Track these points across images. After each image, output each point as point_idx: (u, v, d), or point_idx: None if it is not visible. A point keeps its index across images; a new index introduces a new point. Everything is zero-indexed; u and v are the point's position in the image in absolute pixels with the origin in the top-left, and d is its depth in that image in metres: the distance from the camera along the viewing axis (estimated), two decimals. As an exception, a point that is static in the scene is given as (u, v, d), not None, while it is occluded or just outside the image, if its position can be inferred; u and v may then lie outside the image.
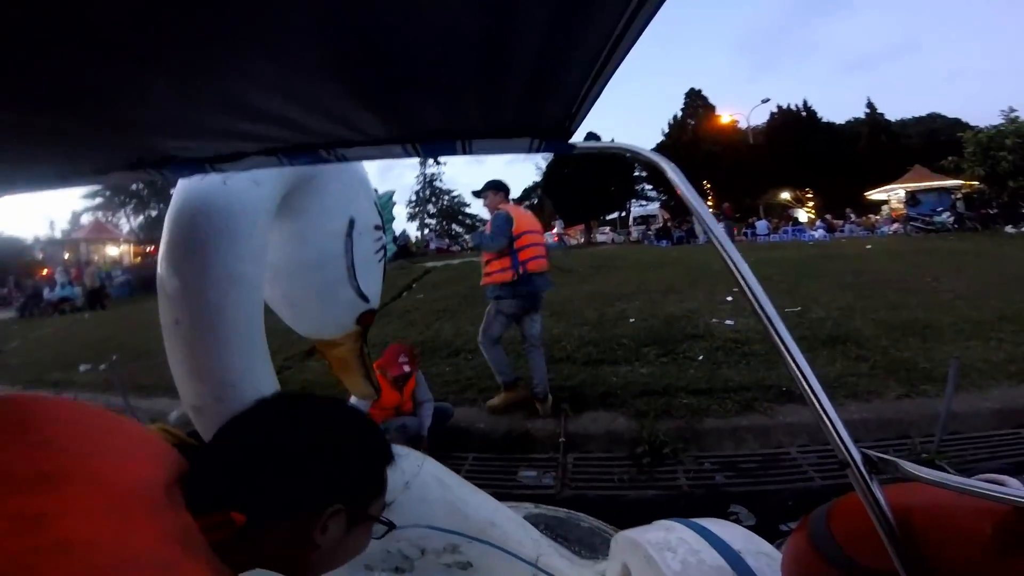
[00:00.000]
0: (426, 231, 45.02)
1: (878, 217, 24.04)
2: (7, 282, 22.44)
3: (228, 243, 1.10)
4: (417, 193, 47.07)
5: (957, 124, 23.98)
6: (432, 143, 0.90)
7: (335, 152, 0.89)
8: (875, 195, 25.49)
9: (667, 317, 5.80)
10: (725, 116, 34.91)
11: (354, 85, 0.65)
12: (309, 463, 0.68)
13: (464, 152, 0.92)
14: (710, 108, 36.59)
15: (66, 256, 24.71)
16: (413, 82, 0.64)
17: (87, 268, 18.71)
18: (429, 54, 0.57)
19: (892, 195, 23.81)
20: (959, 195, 19.70)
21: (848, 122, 35.64)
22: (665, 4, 0.46)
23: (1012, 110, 16.65)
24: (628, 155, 1.06)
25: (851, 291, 6.69)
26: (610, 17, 0.49)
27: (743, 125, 34.30)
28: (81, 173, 0.93)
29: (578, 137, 0.92)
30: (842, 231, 22.22)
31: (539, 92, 0.72)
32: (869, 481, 0.71)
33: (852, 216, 24.47)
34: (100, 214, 31.53)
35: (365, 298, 1.53)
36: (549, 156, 37.84)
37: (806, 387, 0.78)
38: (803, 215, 29.75)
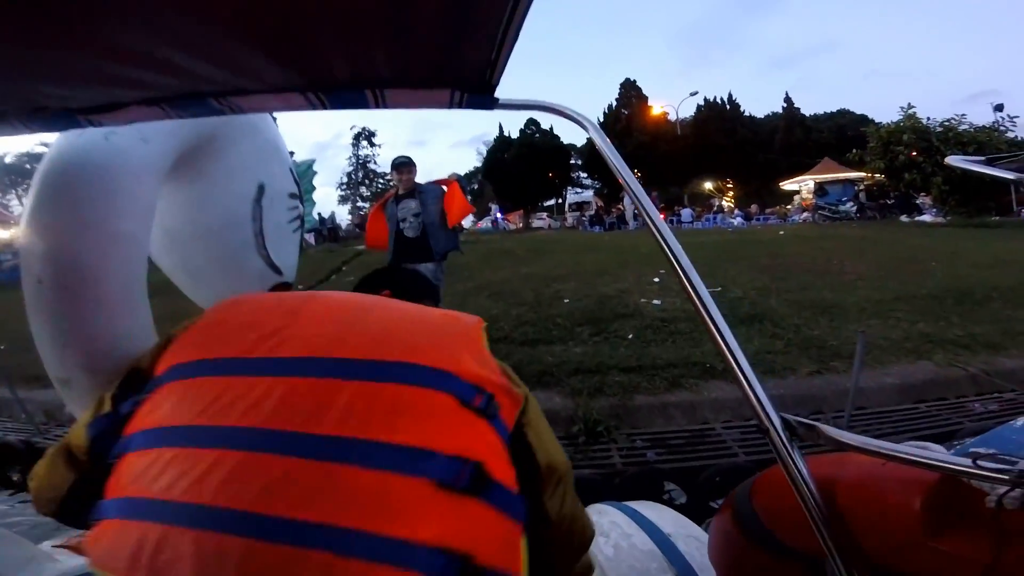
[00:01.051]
0: (358, 214, 43.60)
1: (790, 206, 25.88)
2: None
3: (107, 200, 0.95)
4: (349, 175, 45.31)
5: (864, 120, 25.99)
6: (340, 93, 0.80)
7: (229, 102, 0.79)
8: (788, 185, 27.37)
9: (599, 297, 5.92)
10: (657, 107, 35.94)
11: (243, 21, 0.56)
12: None
13: (377, 104, 0.84)
14: (643, 99, 37.57)
15: None
16: (311, 18, 0.57)
17: None
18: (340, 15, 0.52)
19: (803, 186, 25.66)
20: (862, 187, 21.45)
21: (767, 116, 37.65)
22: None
23: (911, 107, 18.02)
24: (554, 112, 1.02)
25: (766, 273, 7.12)
26: None
27: (672, 117, 35.50)
28: None
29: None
30: (758, 219, 23.73)
31: (453, 34, 0.65)
32: (790, 448, 0.70)
33: (767, 207, 26.25)
34: None
35: (277, 269, 1.39)
36: (490, 142, 37.63)
37: (726, 351, 0.77)
38: (724, 204, 31.52)
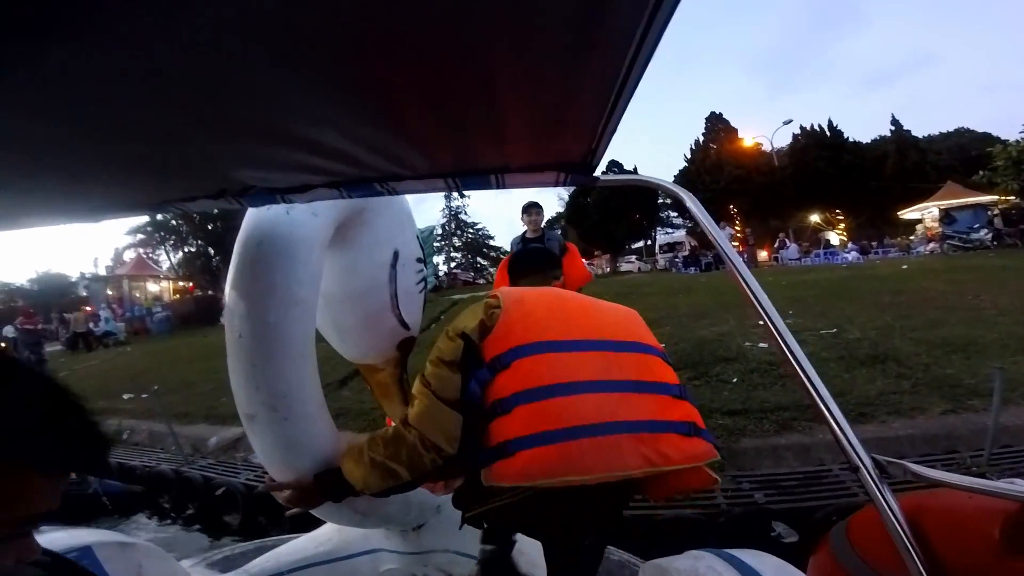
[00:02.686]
0: (452, 264, 45.25)
1: (913, 237, 23.32)
2: (52, 318, 23.24)
3: (289, 268, 1.22)
4: (443, 227, 47.40)
5: (986, 138, 23.30)
6: (469, 178, 1.00)
7: (388, 186, 1.00)
8: (908, 214, 24.79)
9: (698, 341, 5.76)
10: (748, 139, 34.53)
11: (407, 129, 0.75)
12: None
13: (498, 186, 1.02)
14: (732, 131, 36.31)
15: (109, 292, 25.45)
16: (452, 123, 0.75)
17: (74, 314, 19.19)
18: (464, 99, 0.66)
19: (926, 213, 23.11)
20: (995, 211, 18.93)
21: (874, 140, 35.01)
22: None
23: None
24: (650, 186, 1.16)
25: (888, 311, 6.53)
26: (615, 58, 0.55)
27: (767, 147, 33.83)
28: (170, 200, 1.05)
29: (601, 169, 0.99)
30: (876, 252, 21.66)
31: (560, 134, 0.81)
32: (880, 484, 0.75)
33: (886, 238, 23.87)
34: (141, 250, 31.89)
35: (406, 326, 1.63)
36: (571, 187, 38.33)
37: (814, 394, 0.83)
38: (834, 237, 29.03)
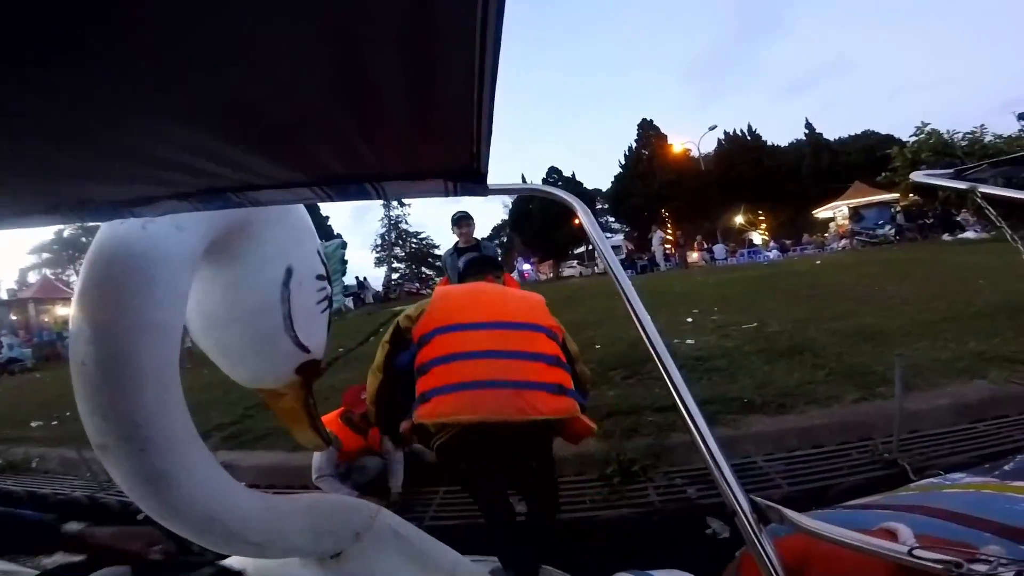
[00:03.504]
0: (395, 276, 44.32)
1: (827, 235, 25.21)
2: None
3: (144, 289, 1.08)
4: (382, 236, 46.28)
5: (890, 139, 25.36)
6: (342, 186, 0.91)
7: (245, 196, 0.91)
8: (822, 213, 26.75)
9: (632, 341, 5.88)
10: (677, 145, 35.90)
11: (236, 133, 0.67)
12: None
13: (378, 195, 0.94)
14: (662, 138, 37.76)
15: (13, 317, 23.25)
16: (296, 128, 0.67)
17: None
18: (303, 103, 0.60)
19: (837, 212, 25.04)
20: (898, 208, 20.75)
21: (791, 143, 37.14)
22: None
23: (924, 124, 17.60)
24: (541, 195, 1.14)
25: (805, 304, 6.95)
26: (462, 52, 0.51)
27: (695, 153, 35.35)
28: (13, 215, 0.92)
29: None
30: (795, 250, 23.17)
31: (430, 137, 0.75)
32: (757, 530, 0.72)
33: (804, 236, 25.58)
34: (48, 271, 29.69)
35: (305, 349, 1.50)
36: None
37: (695, 432, 0.82)
38: (758, 237, 30.88)
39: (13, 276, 32.26)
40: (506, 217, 40.49)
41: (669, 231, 28.34)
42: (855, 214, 22.32)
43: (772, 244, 24.78)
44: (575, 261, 34.29)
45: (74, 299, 1.07)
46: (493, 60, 0.54)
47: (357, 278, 26.97)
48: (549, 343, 1.89)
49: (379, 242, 46.10)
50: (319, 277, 1.59)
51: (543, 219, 33.87)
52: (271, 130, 0.68)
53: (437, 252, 46.34)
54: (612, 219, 38.14)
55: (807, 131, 36.07)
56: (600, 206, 37.61)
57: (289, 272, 1.44)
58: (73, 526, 0.90)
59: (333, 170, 0.85)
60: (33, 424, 6.65)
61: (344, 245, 2.10)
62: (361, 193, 0.93)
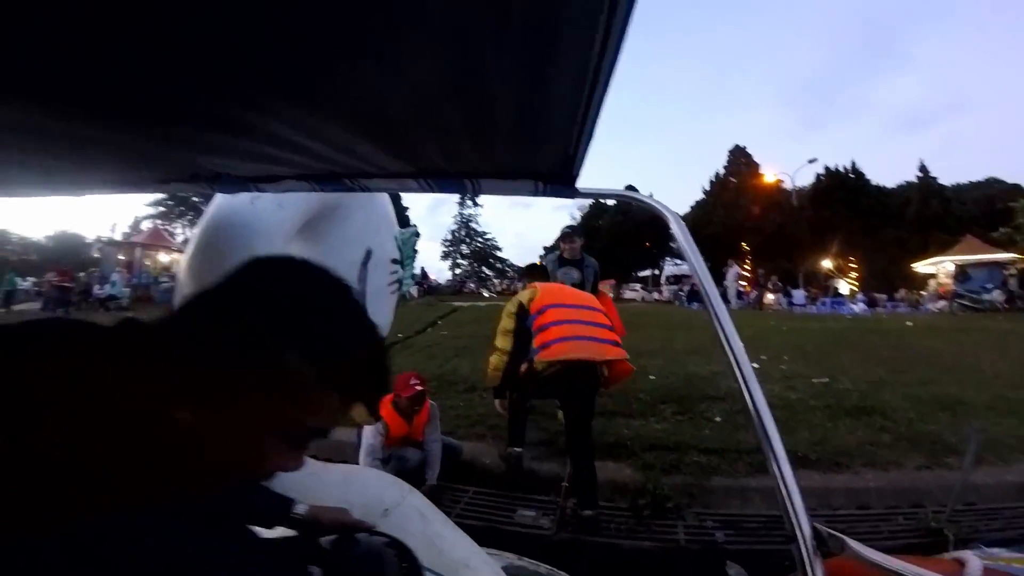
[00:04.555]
0: (458, 271, 45.18)
1: (924, 292, 22.97)
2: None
3: (243, 257, 1.24)
4: (453, 232, 47.30)
5: (1016, 190, 22.58)
6: (443, 180, 1.01)
7: (358, 183, 1.02)
8: (922, 267, 24.42)
9: (688, 377, 5.74)
10: (769, 175, 33.62)
11: (360, 125, 0.76)
12: None
13: (474, 192, 1.03)
14: (754, 166, 35.82)
15: (121, 257, 25.44)
16: (411, 124, 0.76)
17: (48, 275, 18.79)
18: (419, 101, 0.67)
19: (940, 268, 22.69)
20: (1012, 271, 18.46)
21: (899, 186, 34.32)
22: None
23: None
24: (632, 202, 1.10)
25: (884, 365, 6.49)
26: (577, 63, 0.54)
27: (788, 185, 33.10)
28: (145, 181, 1.09)
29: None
30: (885, 306, 21.38)
31: (531, 138, 0.80)
32: (814, 558, 0.71)
33: (898, 291, 23.47)
34: (159, 222, 32.48)
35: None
36: (585, 207, 37.86)
37: (768, 449, 0.80)
38: (845, 286, 28.66)
39: (128, 221, 35.66)
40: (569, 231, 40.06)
41: (747, 267, 26.88)
42: (961, 273, 20.17)
43: (860, 296, 22.83)
44: (638, 285, 33.43)
45: (184, 258, 1.24)
46: (608, 69, 0.56)
47: (421, 268, 27.85)
48: (604, 317, 3.23)
49: (449, 237, 47.21)
50: (393, 261, 1.73)
51: (611, 237, 33.17)
52: (390, 125, 0.77)
53: (499, 254, 46.55)
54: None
55: (920, 173, 33.03)
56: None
57: (368, 254, 1.59)
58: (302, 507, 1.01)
59: (437, 164, 0.94)
60: None
61: (418, 234, 2.24)
62: (459, 187, 1.02)
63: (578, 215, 39.41)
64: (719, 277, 24.53)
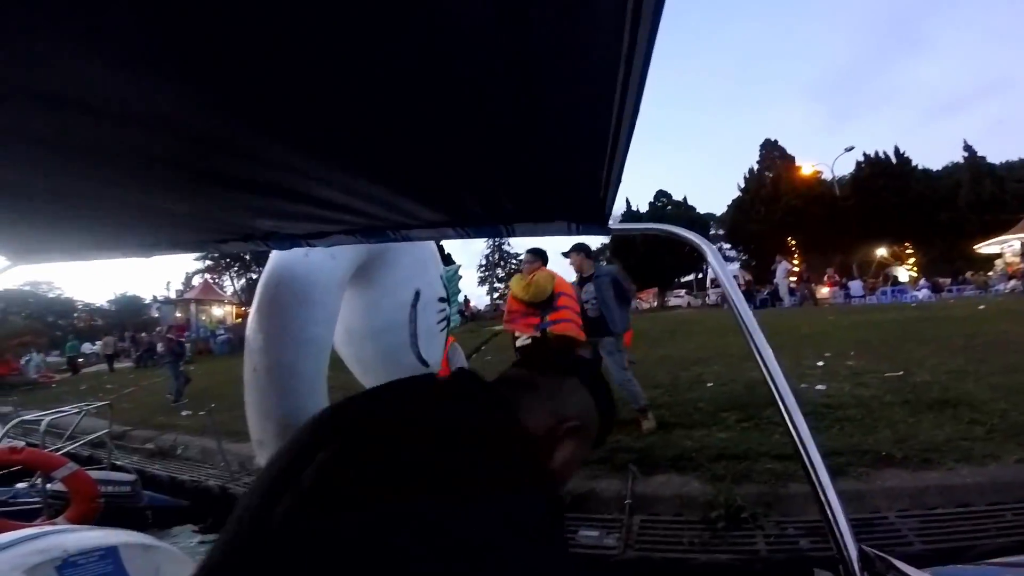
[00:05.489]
0: (495, 295, 45.39)
1: (991, 273, 21.49)
2: (125, 337, 24.74)
3: (304, 309, 1.28)
4: (487, 257, 47.82)
5: None
6: (479, 226, 1.04)
7: (400, 233, 1.07)
8: (986, 248, 22.97)
9: (749, 382, 5.49)
10: (806, 167, 32.72)
11: (401, 183, 0.81)
12: None
13: (509, 234, 1.06)
14: (789, 159, 34.76)
15: (177, 314, 26.90)
16: (448, 179, 0.79)
17: (105, 338, 20.80)
18: (455, 158, 0.70)
19: (1006, 247, 21.33)
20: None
21: (945, 167, 32.58)
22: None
23: None
24: (664, 235, 1.12)
25: (962, 354, 6.04)
26: (602, 107, 0.55)
27: (827, 176, 32.07)
28: (206, 241, 1.16)
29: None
30: (950, 291, 20.09)
31: (563, 185, 0.83)
32: None
33: (963, 275, 22.08)
34: (209, 276, 34.13)
35: (425, 363, 1.66)
36: (618, 216, 37.58)
37: (810, 469, 0.79)
38: (903, 273, 27.11)
39: (180, 279, 37.77)
40: (607, 240, 39.75)
41: (796, 262, 25.82)
42: (1031, 250, 18.87)
43: (922, 283, 21.47)
44: (683, 290, 32.58)
45: (251, 313, 1.30)
46: (632, 114, 0.56)
47: (464, 297, 28.17)
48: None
49: (483, 262, 47.59)
50: (440, 299, 1.75)
51: (648, 245, 32.60)
52: (429, 181, 0.80)
53: None
54: (728, 246, 35.81)
55: (966, 154, 31.23)
56: (714, 232, 35.56)
57: (417, 295, 1.62)
58: None
59: (474, 213, 0.97)
60: (183, 413, 7.60)
61: (459, 269, 2.28)
62: (494, 232, 1.05)
63: (614, 224, 38.90)
64: (768, 275, 23.71)
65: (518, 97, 0.53)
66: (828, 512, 0.70)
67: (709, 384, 5.65)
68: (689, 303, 28.17)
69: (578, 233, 1.03)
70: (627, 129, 0.60)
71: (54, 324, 32.43)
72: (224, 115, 0.55)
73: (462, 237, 1.06)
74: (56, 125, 0.56)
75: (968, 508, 2.73)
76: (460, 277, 2.22)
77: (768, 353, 0.84)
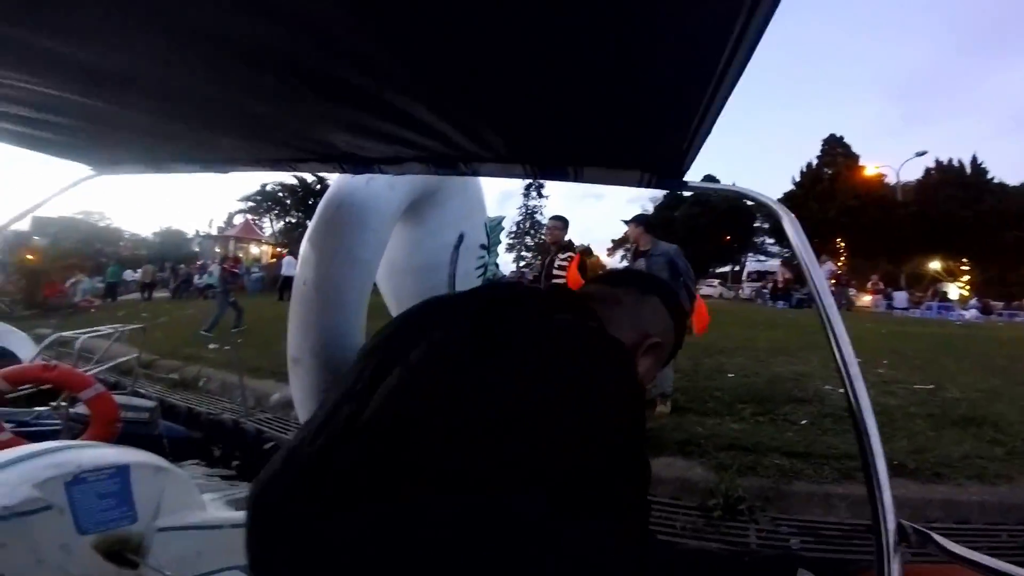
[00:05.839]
0: (522, 263, 45.11)
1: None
2: (165, 268, 25.74)
3: (360, 232, 1.33)
4: (518, 224, 46.85)
5: None
6: (547, 167, 1.03)
7: (471, 166, 1.07)
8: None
9: (772, 377, 5.43)
10: (870, 167, 30.94)
11: (485, 111, 0.80)
12: None
13: (576, 178, 1.03)
14: (852, 158, 32.94)
15: (217, 250, 27.87)
16: (530, 106, 0.77)
17: (144, 266, 21.72)
18: (542, 91, 0.69)
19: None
20: None
21: (1023, 184, 29.84)
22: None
23: None
24: (744, 197, 1.03)
25: (1000, 375, 5.80)
26: (710, 56, 0.52)
27: (891, 180, 30.39)
28: (284, 160, 1.19)
29: (692, 176, 0.95)
30: (1001, 314, 19.03)
31: (647, 127, 0.78)
32: (893, 552, 0.68)
33: (1013, 299, 20.79)
34: (250, 216, 34.99)
35: None
36: (659, 198, 36.54)
37: (866, 439, 0.76)
38: (954, 291, 25.70)
39: (222, 217, 38.89)
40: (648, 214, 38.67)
41: (841, 263, 24.77)
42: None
43: (972, 302, 20.34)
44: (716, 281, 31.81)
45: (308, 231, 1.36)
46: (740, 65, 0.54)
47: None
48: None
49: (514, 229, 46.90)
50: (481, 246, 1.78)
51: (687, 230, 31.63)
52: (513, 111, 0.79)
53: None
54: (770, 240, 34.61)
55: (1050, 171, 28.85)
56: (759, 224, 34.35)
57: (461, 238, 1.65)
58: None
59: (544, 150, 0.96)
60: (210, 347, 7.84)
61: (503, 220, 2.28)
62: (561, 175, 1.03)
63: (651, 206, 38.13)
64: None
65: (620, 28, 0.51)
66: (874, 479, 0.71)
67: (730, 374, 5.59)
68: (721, 294, 27.52)
69: (651, 186, 0.99)
70: (732, 76, 0.57)
71: (100, 251, 33.90)
72: (322, 25, 0.56)
73: (530, 177, 1.06)
74: (161, 18, 0.57)
75: (965, 525, 2.70)
76: (503, 228, 2.23)
77: (844, 337, 0.80)
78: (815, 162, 34.22)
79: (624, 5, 0.46)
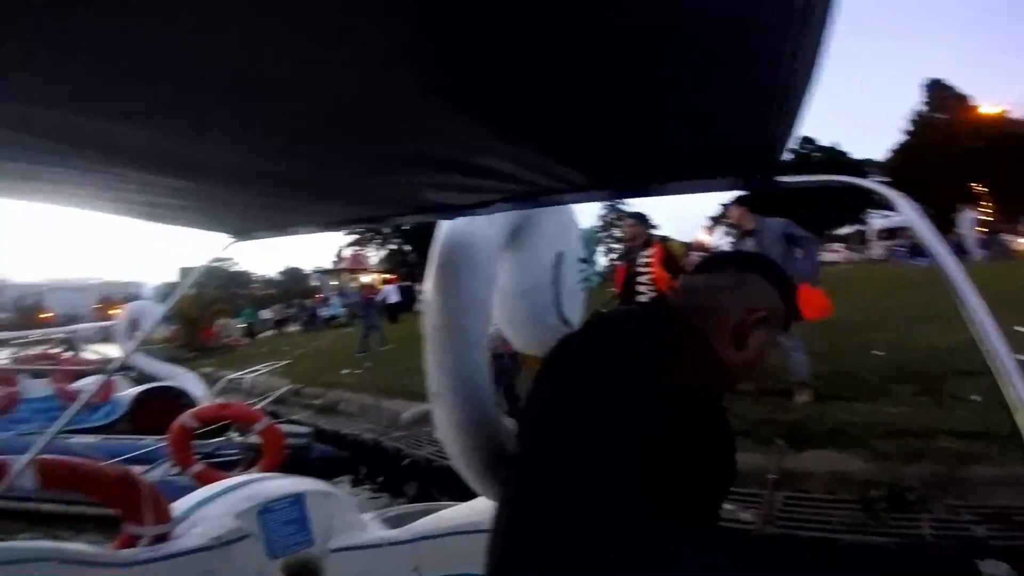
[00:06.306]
0: (612, 257, 43.61)
1: None
2: (292, 304, 28.32)
3: (471, 272, 1.43)
4: (602, 217, 45.76)
5: None
6: (629, 189, 1.10)
7: (552, 198, 1.17)
8: None
9: (928, 350, 4.83)
10: (986, 106, 27.78)
11: (557, 149, 0.88)
12: None
13: (660, 193, 1.06)
14: (963, 99, 29.51)
15: (333, 283, 30.37)
16: (598, 141, 0.84)
17: (274, 306, 24.15)
18: (614, 120, 0.74)
19: None
20: None
21: None
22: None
23: None
24: (845, 187, 0.93)
25: None
26: (784, 46, 0.51)
27: (1015, 115, 26.69)
28: (388, 215, 1.40)
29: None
30: None
31: (729, 134, 0.79)
32: None
33: None
34: (356, 248, 38.24)
35: (568, 323, 1.73)
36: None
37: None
38: None
39: (332, 252, 42.37)
40: (740, 192, 35.77)
41: (986, 209, 21.33)
42: None
43: None
44: (839, 244, 28.83)
45: (428, 281, 1.48)
46: (815, 48, 0.52)
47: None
48: None
49: (599, 223, 45.91)
50: (581, 260, 1.84)
51: (791, 193, 28.84)
52: (583, 145, 0.87)
53: (653, 232, 44.03)
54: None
55: None
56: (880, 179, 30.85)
57: (559, 256, 1.70)
58: None
59: (625, 173, 1.04)
60: (343, 372, 8.46)
61: (597, 230, 2.32)
62: (643, 192, 1.09)
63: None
64: (947, 226, 19.60)
65: (687, 38, 0.51)
66: None
67: (877, 352, 5.08)
68: (847, 258, 24.85)
69: (739, 188, 1.03)
70: (810, 65, 0.54)
71: (236, 294, 38.55)
72: (421, 99, 0.65)
73: (612, 199, 1.15)
74: (278, 117, 0.69)
75: None
76: (599, 238, 2.26)
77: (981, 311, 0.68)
78: (925, 109, 31.12)
79: (687, 14, 0.46)
